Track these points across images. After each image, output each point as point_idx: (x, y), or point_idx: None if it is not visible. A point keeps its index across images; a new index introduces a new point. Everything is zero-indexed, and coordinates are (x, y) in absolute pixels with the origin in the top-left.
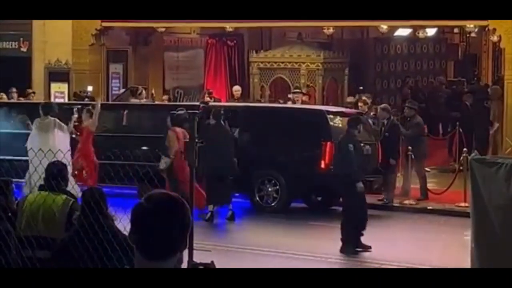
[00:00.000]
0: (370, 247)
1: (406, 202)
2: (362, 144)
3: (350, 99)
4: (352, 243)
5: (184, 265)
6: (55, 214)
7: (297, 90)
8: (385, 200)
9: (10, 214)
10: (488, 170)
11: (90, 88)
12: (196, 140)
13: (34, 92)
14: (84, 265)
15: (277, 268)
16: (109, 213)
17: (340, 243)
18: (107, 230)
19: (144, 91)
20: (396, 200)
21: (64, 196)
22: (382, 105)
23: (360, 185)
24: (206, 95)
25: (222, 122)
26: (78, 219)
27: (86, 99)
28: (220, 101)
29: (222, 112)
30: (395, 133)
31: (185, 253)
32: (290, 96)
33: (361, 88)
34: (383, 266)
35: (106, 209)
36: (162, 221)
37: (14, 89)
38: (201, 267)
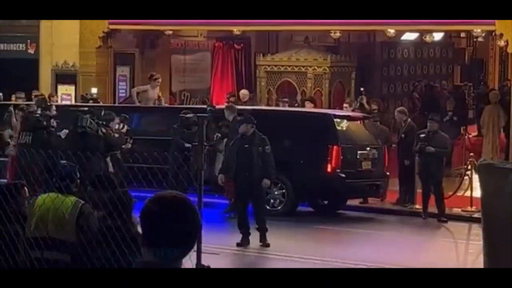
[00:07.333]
0: (268, 245)
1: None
2: (252, 145)
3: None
4: (246, 238)
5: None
6: (64, 216)
7: (243, 90)
8: (408, 207)
9: (20, 217)
10: (497, 176)
11: (94, 90)
12: (205, 144)
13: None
14: (100, 266)
15: (277, 268)
16: (133, 217)
17: (344, 246)
18: (126, 233)
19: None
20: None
21: (74, 198)
22: (399, 108)
23: (242, 181)
24: (228, 97)
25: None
26: (103, 219)
27: (91, 101)
28: (241, 104)
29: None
30: (412, 134)
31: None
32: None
33: (362, 89)
34: None
35: (131, 213)
36: (168, 222)
37: (22, 94)
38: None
